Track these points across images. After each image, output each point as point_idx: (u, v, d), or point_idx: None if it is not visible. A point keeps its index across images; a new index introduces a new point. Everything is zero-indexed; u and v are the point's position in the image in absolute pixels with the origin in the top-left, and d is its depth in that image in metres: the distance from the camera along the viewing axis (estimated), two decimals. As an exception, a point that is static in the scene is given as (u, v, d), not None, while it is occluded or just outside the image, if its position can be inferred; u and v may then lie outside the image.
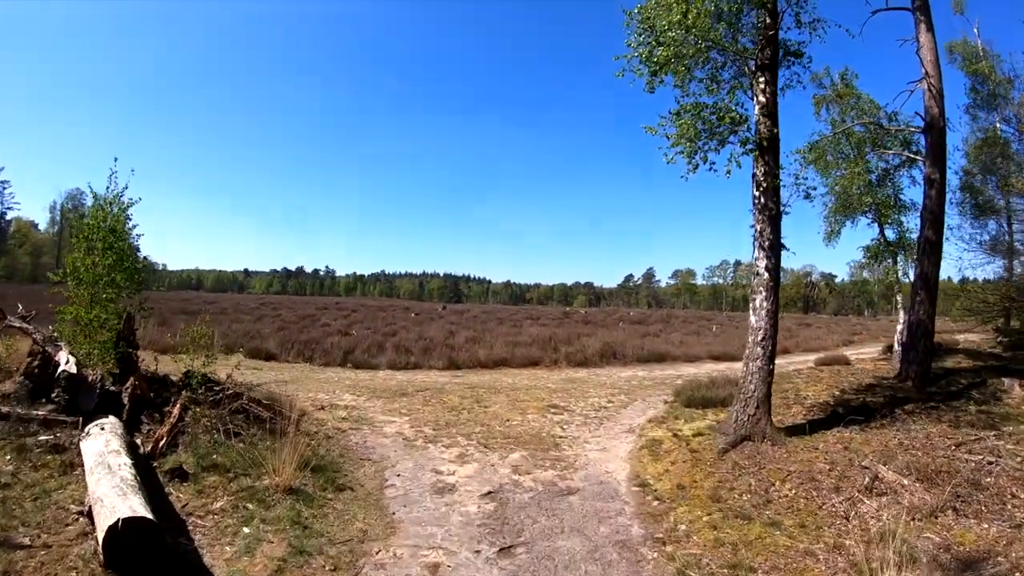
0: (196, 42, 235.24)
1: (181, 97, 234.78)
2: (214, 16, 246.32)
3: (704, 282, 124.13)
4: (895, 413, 8.91)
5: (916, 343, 11.78)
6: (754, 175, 8.19)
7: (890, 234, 15.57)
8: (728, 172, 7.85)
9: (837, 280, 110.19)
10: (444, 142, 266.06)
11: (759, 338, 8.16)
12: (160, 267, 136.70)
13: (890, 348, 19.84)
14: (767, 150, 8.03)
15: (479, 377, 14.41)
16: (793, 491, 6.15)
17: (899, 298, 16.03)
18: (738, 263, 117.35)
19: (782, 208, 8.35)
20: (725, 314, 60.82)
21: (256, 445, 6.39)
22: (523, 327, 25.73)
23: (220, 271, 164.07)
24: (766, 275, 8.12)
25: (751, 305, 8.40)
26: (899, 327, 15.49)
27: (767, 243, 8.08)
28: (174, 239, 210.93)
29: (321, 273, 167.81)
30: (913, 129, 12.44)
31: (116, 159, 8.45)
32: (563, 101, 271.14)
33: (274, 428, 7.21)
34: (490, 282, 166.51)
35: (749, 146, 7.91)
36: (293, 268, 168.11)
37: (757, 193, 8.16)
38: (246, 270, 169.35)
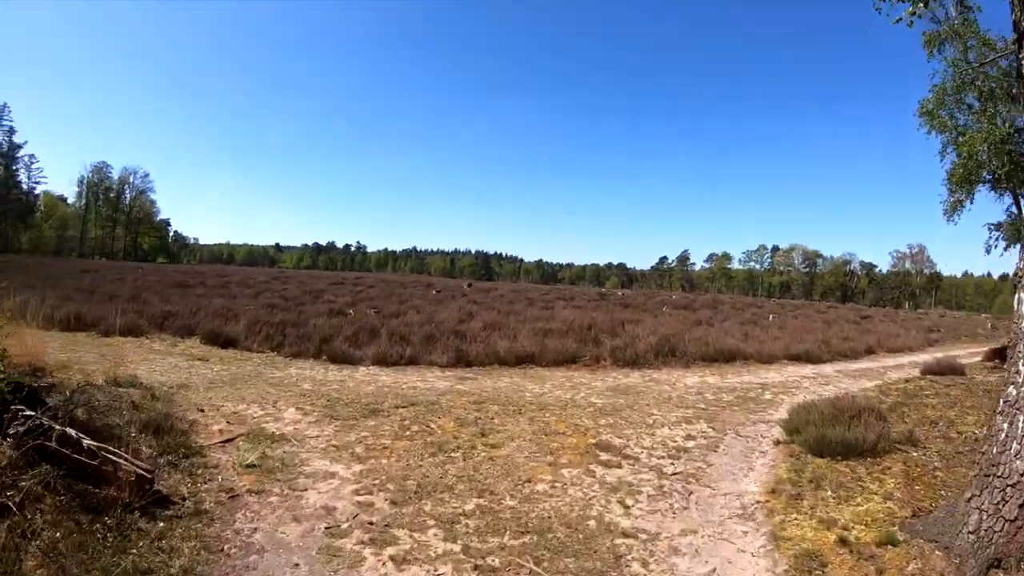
0: (231, 10, 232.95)
1: (215, 68, 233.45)
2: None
3: (740, 266, 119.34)
4: None
5: None
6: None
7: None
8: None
9: (877, 270, 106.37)
10: (476, 119, 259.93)
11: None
12: (192, 241, 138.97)
13: (997, 353, 15.49)
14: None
15: (494, 382, 10.52)
16: None
17: None
18: (776, 248, 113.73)
19: None
20: (774, 301, 55.62)
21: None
22: (555, 309, 21.73)
23: (252, 246, 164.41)
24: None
25: (1018, 309, 4.29)
26: None
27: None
28: (208, 213, 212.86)
29: (352, 248, 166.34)
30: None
31: None
32: (597, 78, 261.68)
33: (98, 497, 3.63)
34: (522, 260, 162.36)
35: None
36: (324, 243, 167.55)
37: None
38: (277, 245, 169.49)
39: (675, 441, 7.26)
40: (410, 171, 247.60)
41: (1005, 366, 4.75)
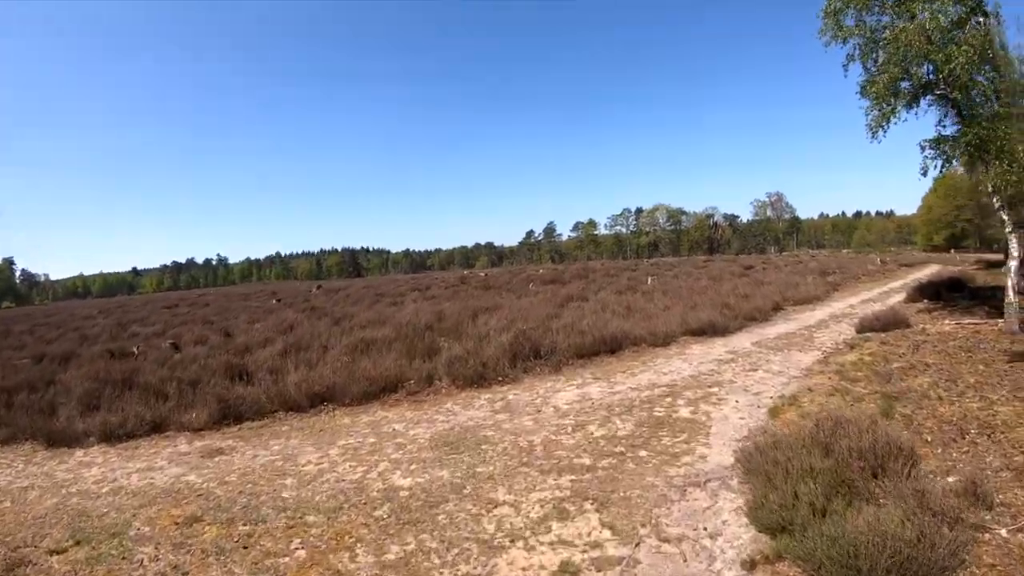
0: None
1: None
2: None
3: (607, 231, 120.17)
4: None
5: None
6: None
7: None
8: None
9: (739, 220, 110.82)
10: (331, 112, 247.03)
11: None
12: (43, 277, 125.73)
13: (923, 293, 15.17)
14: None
15: (254, 454, 6.25)
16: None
17: (1007, 220, 9.19)
18: (640, 210, 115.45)
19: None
20: (647, 262, 54.08)
21: None
22: (404, 305, 17.32)
23: (108, 274, 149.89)
24: None
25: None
26: (1012, 265, 9.58)
27: None
28: (60, 246, 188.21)
29: (214, 262, 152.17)
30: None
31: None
32: (451, 64, 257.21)
33: None
34: (389, 252, 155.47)
35: None
36: (185, 261, 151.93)
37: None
38: (135, 269, 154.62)
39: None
40: (267, 175, 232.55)
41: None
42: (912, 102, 9.74)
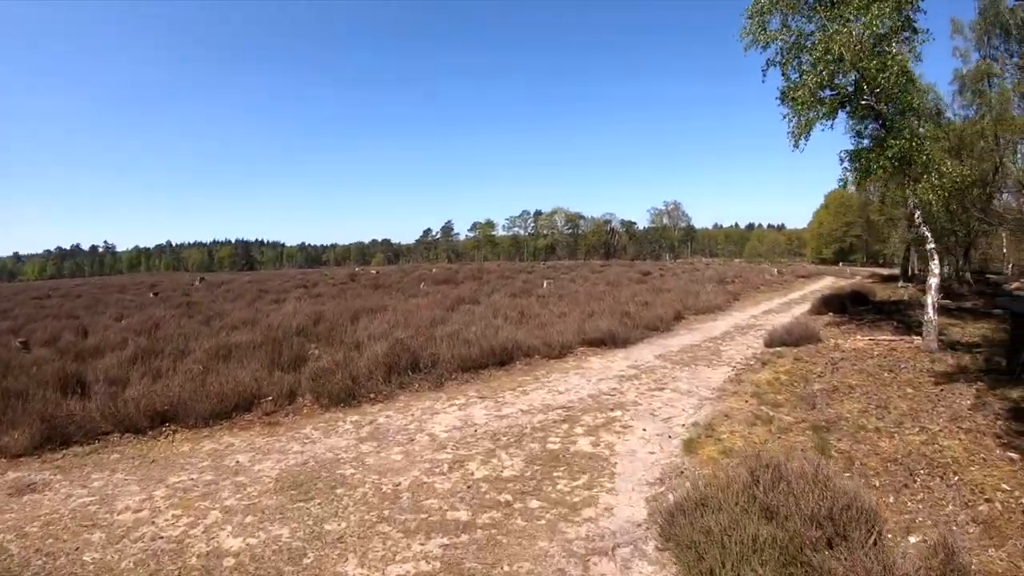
0: None
1: None
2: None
3: (505, 232, 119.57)
4: None
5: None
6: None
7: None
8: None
9: (636, 226, 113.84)
10: (221, 99, 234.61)
11: None
12: None
13: (828, 305, 14.93)
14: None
15: (39, 521, 4.55)
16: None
17: (928, 235, 9.04)
18: (539, 213, 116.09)
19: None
20: (543, 264, 53.78)
21: None
22: (286, 303, 15.56)
23: None
24: None
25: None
26: (933, 282, 9.28)
27: None
28: None
29: (100, 250, 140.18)
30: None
31: None
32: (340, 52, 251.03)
33: None
34: (284, 245, 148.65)
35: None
36: (70, 247, 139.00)
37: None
38: (16, 254, 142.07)
39: None
40: (157, 160, 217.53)
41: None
42: (832, 112, 9.41)
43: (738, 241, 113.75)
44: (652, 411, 6.53)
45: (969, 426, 5.29)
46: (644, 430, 5.85)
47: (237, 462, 5.33)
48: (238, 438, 6.04)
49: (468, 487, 4.56)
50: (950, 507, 3.90)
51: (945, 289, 17.63)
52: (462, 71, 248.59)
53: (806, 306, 16.80)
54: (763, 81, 10.09)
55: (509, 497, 4.36)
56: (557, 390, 7.55)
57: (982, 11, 16.59)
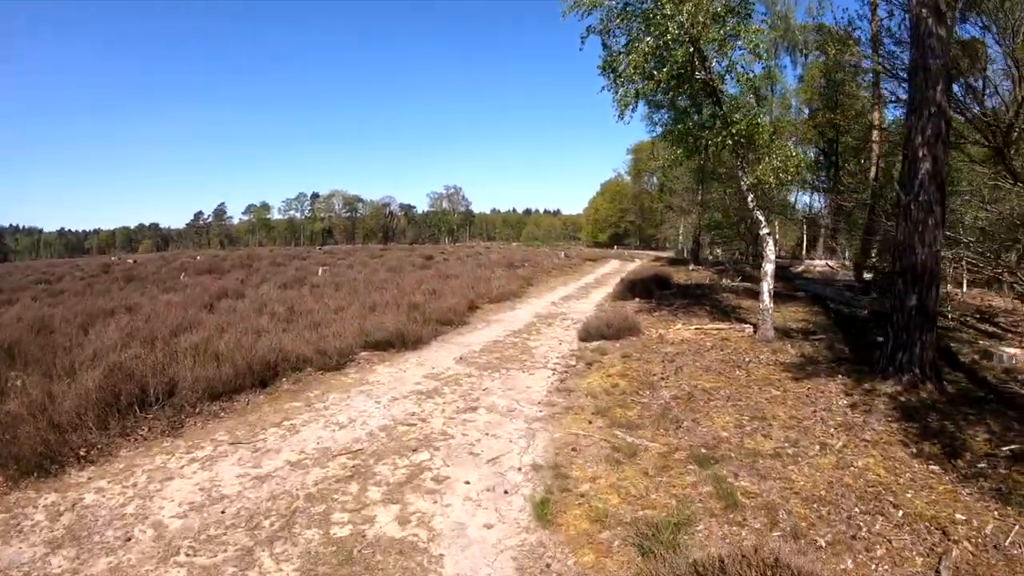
0: None
1: None
2: None
3: (280, 216, 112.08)
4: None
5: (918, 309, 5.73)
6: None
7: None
8: None
9: (415, 210, 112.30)
10: None
11: None
12: None
13: (637, 292, 14.25)
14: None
15: None
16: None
17: (762, 220, 8.71)
18: (316, 195, 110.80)
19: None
20: (320, 249, 49.50)
21: None
22: (14, 305, 11.34)
23: None
24: None
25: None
26: (768, 268, 8.72)
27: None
28: None
29: None
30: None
31: None
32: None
33: None
34: (41, 231, 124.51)
35: None
36: None
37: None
38: None
39: None
40: None
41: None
42: (668, 85, 8.57)
43: (515, 225, 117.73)
44: (470, 447, 4.72)
45: (870, 436, 4.51)
46: (467, 485, 4.04)
47: None
48: None
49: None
50: (920, 561, 2.89)
51: (740, 272, 18.89)
52: (239, 47, 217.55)
53: (605, 290, 16.43)
54: (581, 49, 9.20)
55: None
56: (337, 422, 5.41)
57: (773, 24, 18.49)
